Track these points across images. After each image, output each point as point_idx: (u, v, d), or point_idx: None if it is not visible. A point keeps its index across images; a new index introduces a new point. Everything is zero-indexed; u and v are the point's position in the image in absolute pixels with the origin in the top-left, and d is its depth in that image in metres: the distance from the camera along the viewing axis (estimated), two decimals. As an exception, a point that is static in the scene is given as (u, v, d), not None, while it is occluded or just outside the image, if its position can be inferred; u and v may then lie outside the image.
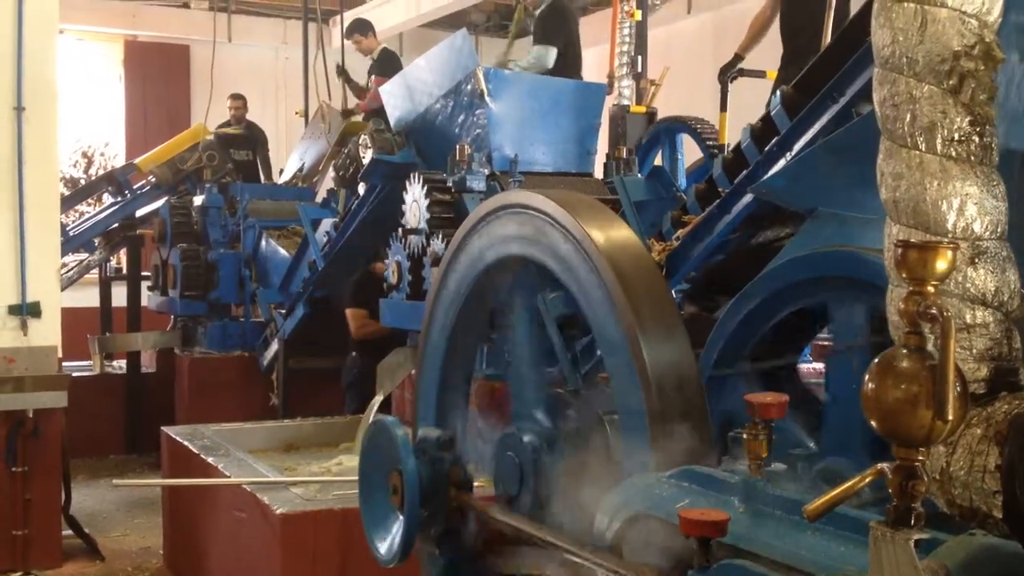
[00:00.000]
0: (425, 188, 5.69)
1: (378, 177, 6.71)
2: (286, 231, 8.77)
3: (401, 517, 2.32)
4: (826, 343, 3.05)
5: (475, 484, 2.40)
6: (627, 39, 7.67)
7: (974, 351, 1.44)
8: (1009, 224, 1.48)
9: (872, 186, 1.54)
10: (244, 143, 10.73)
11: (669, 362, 2.09)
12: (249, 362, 8.74)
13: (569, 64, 7.27)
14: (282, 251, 8.51)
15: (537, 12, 7.41)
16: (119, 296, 10.30)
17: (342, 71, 10.22)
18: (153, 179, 10.00)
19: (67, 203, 10.07)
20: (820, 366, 3.06)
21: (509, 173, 5.68)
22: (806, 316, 2.73)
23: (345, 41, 10.28)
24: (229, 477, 5.05)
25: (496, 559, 2.36)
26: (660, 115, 7.45)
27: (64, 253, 8.66)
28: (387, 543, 2.37)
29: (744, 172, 3.33)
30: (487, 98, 5.89)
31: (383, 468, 2.38)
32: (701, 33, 12.41)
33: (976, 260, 1.44)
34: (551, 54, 7.03)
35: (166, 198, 9.80)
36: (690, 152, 7.12)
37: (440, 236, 5.53)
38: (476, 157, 5.75)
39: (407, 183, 5.90)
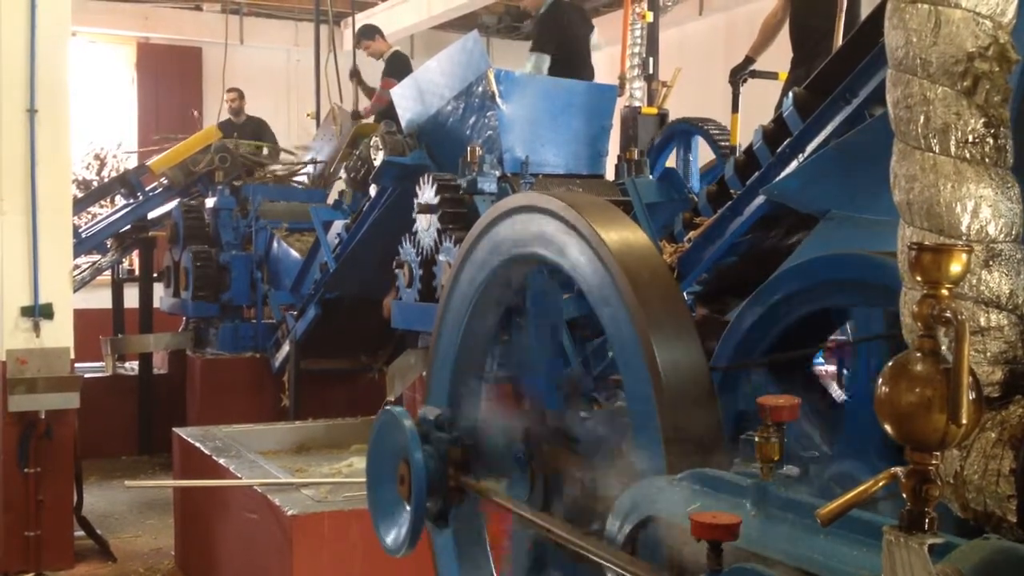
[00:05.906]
0: (437, 190, 5.69)
1: (389, 179, 6.72)
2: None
3: (408, 508, 2.32)
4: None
5: None
6: (638, 40, 7.68)
7: (988, 354, 1.43)
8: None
9: (885, 188, 1.53)
10: (245, 136, 10.71)
11: (681, 364, 2.08)
12: (261, 363, 8.76)
13: (572, 64, 7.32)
14: (294, 253, 8.53)
15: (537, 17, 7.53)
16: (131, 298, 10.34)
17: (355, 73, 10.23)
18: (165, 181, 10.03)
19: (80, 205, 10.11)
20: (832, 368, 3.04)
21: (520, 175, 5.67)
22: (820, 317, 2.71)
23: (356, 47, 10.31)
24: (240, 478, 5.07)
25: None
26: (672, 117, 7.44)
27: (76, 255, 8.67)
28: (394, 533, 2.37)
29: (756, 174, 3.32)
30: (498, 100, 5.89)
31: (391, 458, 2.38)
32: (713, 34, 12.40)
33: (991, 263, 1.43)
34: (545, 62, 7.21)
35: (178, 200, 9.84)
36: (703, 154, 7.11)
37: (451, 238, 5.53)
38: (487, 159, 5.74)
39: (418, 185, 5.90)
